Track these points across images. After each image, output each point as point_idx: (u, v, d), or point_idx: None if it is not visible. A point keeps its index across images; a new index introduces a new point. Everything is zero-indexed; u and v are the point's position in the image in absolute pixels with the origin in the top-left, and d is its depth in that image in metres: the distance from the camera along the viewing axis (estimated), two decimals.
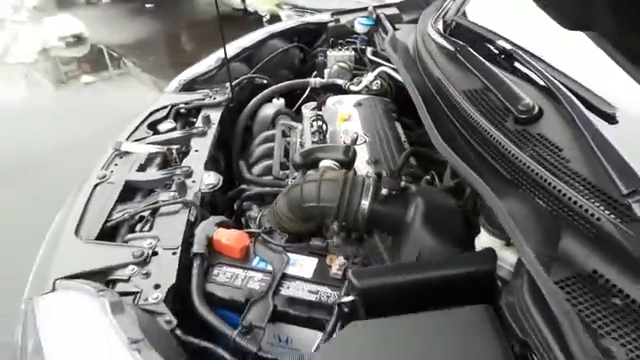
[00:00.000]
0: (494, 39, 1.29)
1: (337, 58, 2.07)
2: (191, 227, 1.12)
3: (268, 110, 1.87)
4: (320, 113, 1.71)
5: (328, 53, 2.09)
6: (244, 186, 1.45)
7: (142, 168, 1.38)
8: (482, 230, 0.92)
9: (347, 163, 1.24)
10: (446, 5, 1.76)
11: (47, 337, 0.82)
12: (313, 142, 1.52)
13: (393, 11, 2.30)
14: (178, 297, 0.97)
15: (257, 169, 1.56)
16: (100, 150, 1.46)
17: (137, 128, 1.56)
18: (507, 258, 0.87)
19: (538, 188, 0.86)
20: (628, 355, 0.63)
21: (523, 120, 0.97)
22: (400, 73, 1.56)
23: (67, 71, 5.53)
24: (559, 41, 1.18)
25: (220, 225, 1.12)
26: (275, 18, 5.91)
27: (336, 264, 1.02)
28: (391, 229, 1.09)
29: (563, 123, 0.92)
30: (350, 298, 0.86)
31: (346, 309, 0.87)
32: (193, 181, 1.28)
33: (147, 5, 7.16)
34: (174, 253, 1.04)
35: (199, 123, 1.58)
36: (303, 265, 1.05)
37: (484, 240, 0.92)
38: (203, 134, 1.52)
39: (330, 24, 2.32)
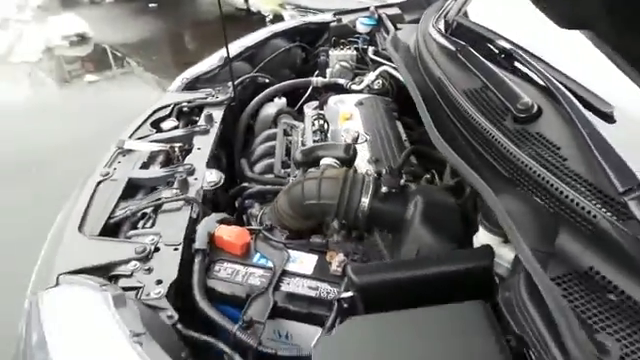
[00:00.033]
0: (494, 39, 1.29)
1: (339, 57, 2.08)
2: (193, 224, 1.13)
3: (270, 109, 1.88)
4: (322, 112, 1.73)
5: (330, 52, 2.10)
6: (246, 184, 1.46)
7: (145, 166, 1.39)
8: (480, 227, 0.93)
9: (348, 161, 1.25)
10: (447, 5, 1.76)
11: (51, 331, 0.83)
12: (314, 141, 1.53)
13: (395, 11, 2.31)
14: (180, 292, 0.98)
15: (259, 167, 1.57)
16: (103, 149, 1.47)
17: (140, 126, 1.58)
18: (505, 255, 0.88)
19: (536, 186, 0.87)
20: (623, 350, 0.64)
21: (522, 119, 0.98)
22: (401, 73, 1.57)
23: (71, 70, 5.55)
24: (559, 41, 1.19)
25: (221, 222, 1.13)
26: (278, 18, 5.93)
27: (336, 261, 1.03)
28: (391, 227, 1.10)
29: (561, 122, 0.93)
30: (349, 294, 0.87)
31: (345, 305, 0.88)
32: (195, 178, 1.29)
33: (150, 5, 7.19)
34: (176, 249, 1.05)
35: (201, 121, 1.59)
36: (303, 262, 1.06)
37: (482, 237, 0.93)
38: (205, 132, 1.53)
39: (332, 24, 2.33)
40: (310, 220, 1.18)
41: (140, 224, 1.18)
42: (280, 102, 1.91)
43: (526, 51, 1.17)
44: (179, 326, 0.89)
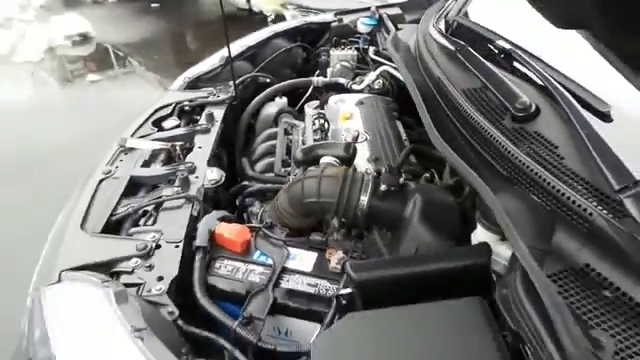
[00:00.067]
0: (494, 39, 1.30)
1: (340, 57, 2.08)
2: (194, 221, 1.14)
3: (271, 108, 1.89)
4: (322, 111, 1.74)
5: (331, 52, 2.11)
6: (246, 182, 1.47)
7: (146, 164, 1.40)
8: (478, 225, 0.94)
9: (347, 160, 1.26)
10: (448, 5, 1.77)
11: (53, 326, 0.84)
12: (315, 140, 1.54)
13: (396, 11, 2.31)
14: (181, 289, 0.99)
15: (259, 166, 1.58)
16: (105, 148, 1.48)
17: (142, 125, 1.59)
18: (502, 253, 0.89)
19: (533, 184, 0.88)
20: (617, 345, 0.65)
21: (520, 118, 0.99)
22: (401, 72, 1.57)
23: (73, 70, 5.57)
24: (557, 41, 1.20)
25: (222, 219, 1.14)
26: (280, 18, 5.93)
27: (335, 258, 1.04)
28: (390, 225, 1.11)
29: (559, 121, 0.94)
30: (348, 290, 0.88)
31: (344, 301, 0.89)
32: (196, 177, 1.30)
33: (153, 4, 7.20)
34: (177, 246, 1.06)
35: (203, 120, 1.60)
36: (303, 259, 1.07)
37: (480, 235, 0.94)
38: (207, 131, 1.55)
39: (333, 24, 2.34)
40: (310, 218, 1.19)
41: (141, 222, 1.19)
42: (281, 101, 1.92)
43: (525, 51, 1.18)
44: (180, 322, 0.91)
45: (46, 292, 0.92)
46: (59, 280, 0.97)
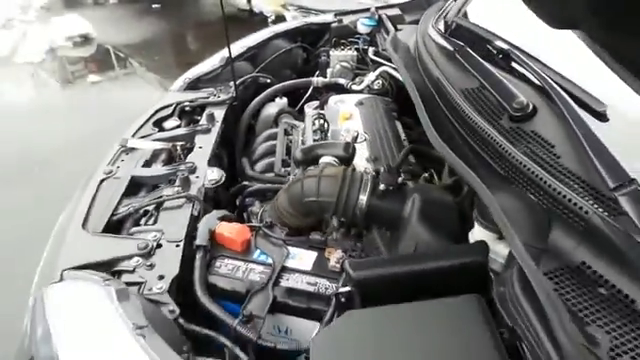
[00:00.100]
0: (492, 39, 1.31)
1: (339, 58, 2.09)
2: (194, 221, 1.15)
3: (271, 109, 1.90)
4: (322, 112, 1.74)
5: (331, 53, 2.12)
6: (246, 182, 1.48)
7: (147, 164, 1.41)
8: (475, 224, 0.95)
9: (346, 159, 1.27)
10: (447, 6, 1.78)
11: (55, 324, 0.85)
12: (314, 140, 1.55)
13: (395, 12, 2.32)
14: (181, 288, 1.00)
15: (259, 166, 1.59)
16: (106, 149, 1.49)
17: (143, 125, 1.60)
18: (500, 251, 0.90)
19: (530, 183, 0.89)
20: (612, 342, 0.65)
21: (517, 118, 1.00)
22: (400, 73, 1.58)
23: (74, 71, 5.58)
24: (555, 41, 1.21)
25: (222, 219, 1.15)
26: (280, 19, 5.94)
27: (334, 257, 1.05)
28: (389, 224, 1.11)
29: (556, 121, 0.95)
30: (347, 289, 0.89)
31: (343, 299, 0.90)
32: (197, 177, 1.31)
33: (153, 6, 7.21)
34: (177, 245, 1.07)
35: (203, 121, 1.61)
36: (302, 258, 1.08)
37: (478, 234, 0.95)
38: (207, 131, 1.56)
39: (333, 24, 2.34)
40: (309, 217, 1.20)
41: (142, 221, 1.20)
42: (281, 102, 1.93)
43: (523, 51, 1.19)
44: (180, 320, 0.91)
45: (48, 291, 0.93)
46: (61, 279, 0.98)
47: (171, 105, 1.71)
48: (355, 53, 2.13)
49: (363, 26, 2.27)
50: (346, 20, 2.35)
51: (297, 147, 1.55)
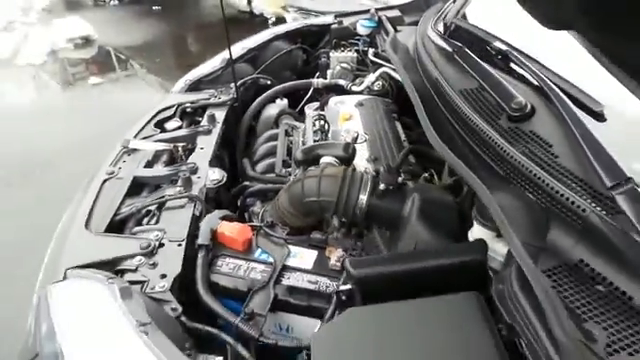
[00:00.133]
0: (491, 40, 1.32)
1: (339, 59, 2.10)
2: (196, 221, 1.16)
3: (272, 110, 1.91)
4: (322, 113, 1.76)
5: (331, 54, 2.13)
6: (247, 183, 1.49)
7: (149, 164, 1.42)
8: (475, 223, 0.96)
9: (347, 159, 1.28)
10: (446, 7, 1.79)
11: (60, 322, 0.86)
12: (315, 141, 1.56)
13: (395, 13, 2.33)
14: (184, 286, 1.01)
15: (260, 167, 1.60)
16: (107, 150, 1.50)
17: (145, 126, 1.61)
18: (499, 249, 0.91)
19: (528, 182, 0.90)
20: (609, 338, 0.66)
21: (516, 118, 1.01)
22: (399, 74, 1.59)
23: (75, 73, 5.59)
24: (553, 42, 1.22)
25: (224, 218, 1.16)
26: (280, 21, 5.96)
27: (335, 256, 1.06)
28: (388, 223, 1.12)
29: (554, 121, 0.96)
30: (347, 286, 0.90)
31: (344, 297, 0.91)
32: (198, 177, 1.32)
33: (154, 7, 7.23)
34: (179, 245, 1.08)
35: (204, 122, 1.62)
36: (303, 257, 1.09)
37: (477, 232, 0.96)
38: (208, 132, 1.57)
39: (333, 26, 2.35)
40: (310, 217, 1.21)
41: (145, 221, 1.21)
42: (282, 103, 1.94)
43: (521, 52, 1.20)
44: (183, 318, 0.92)
45: (52, 289, 0.94)
46: (64, 278, 0.99)
47: (172, 106, 1.73)
48: (355, 54, 2.14)
49: (363, 27, 2.29)
50: (346, 22, 2.37)
51: (298, 148, 1.56)
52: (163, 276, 1.00)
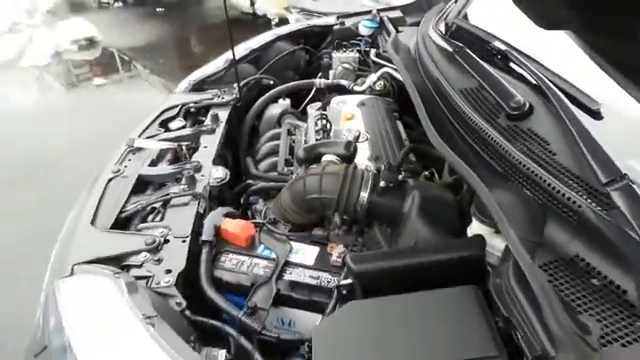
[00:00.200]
0: (491, 40, 1.34)
1: (342, 60, 2.12)
2: (200, 218, 1.18)
3: (274, 110, 1.93)
4: (324, 112, 1.77)
5: (333, 55, 2.15)
6: (250, 181, 1.51)
7: (154, 163, 1.45)
8: (473, 219, 0.98)
9: (348, 157, 1.30)
10: (447, 8, 1.81)
11: (68, 315, 0.88)
12: (317, 140, 1.58)
13: (397, 14, 2.35)
14: (188, 282, 1.03)
15: (263, 165, 1.63)
16: (110, 151, 1.52)
17: (149, 126, 1.64)
18: (497, 245, 0.93)
19: (526, 180, 0.91)
20: (603, 330, 0.68)
21: (514, 116, 1.03)
22: (401, 74, 1.61)
23: (79, 74, 5.62)
24: (552, 42, 1.23)
25: (227, 215, 1.18)
26: (283, 22, 5.98)
27: (336, 252, 1.08)
28: (389, 220, 1.14)
29: (551, 119, 0.98)
30: (348, 281, 0.92)
31: (344, 291, 0.93)
32: (202, 175, 1.35)
33: (158, 9, 7.27)
34: (184, 241, 1.10)
35: (208, 121, 1.65)
36: (305, 253, 1.11)
37: (475, 228, 0.97)
38: (212, 131, 1.59)
39: (335, 27, 2.37)
40: (312, 214, 1.23)
41: (150, 218, 1.23)
42: (284, 103, 1.96)
43: (520, 52, 1.22)
44: (187, 312, 0.94)
45: (60, 284, 0.96)
46: (72, 273, 1.01)
47: (176, 106, 1.75)
48: (357, 55, 2.16)
49: (365, 28, 2.30)
50: (348, 22, 2.38)
51: (300, 147, 1.58)
52: (168, 271, 1.02)
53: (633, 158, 0.84)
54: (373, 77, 1.91)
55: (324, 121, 1.69)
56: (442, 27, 1.65)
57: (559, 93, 1.00)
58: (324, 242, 1.14)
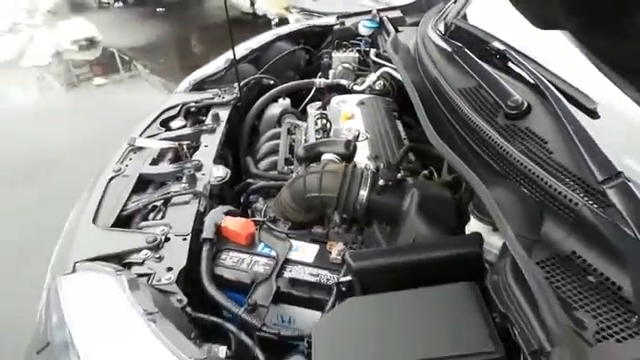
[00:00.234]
0: (489, 41, 1.35)
1: (341, 59, 2.13)
2: (201, 216, 1.20)
3: (274, 109, 1.94)
4: (324, 112, 1.78)
5: (333, 55, 2.16)
6: (250, 180, 1.52)
7: (155, 162, 1.46)
8: (471, 217, 0.99)
9: (347, 156, 1.31)
10: (447, 8, 1.82)
11: (70, 312, 0.89)
12: (317, 139, 1.59)
13: (396, 14, 2.36)
14: (189, 279, 1.04)
15: (263, 164, 1.64)
16: (110, 150, 1.53)
17: (150, 125, 1.65)
18: (494, 242, 0.94)
19: (524, 177, 0.92)
20: (599, 325, 0.69)
21: (512, 115, 1.03)
22: (400, 73, 1.62)
23: (79, 74, 5.63)
24: (550, 42, 1.24)
25: (228, 213, 1.19)
26: (283, 22, 5.99)
27: (336, 250, 1.09)
28: (388, 218, 1.15)
29: (549, 118, 0.99)
30: (347, 278, 0.93)
31: (344, 288, 0.94)
32: (203, 174, 1.36)
33: (158, 9, 7.28)
34: (185, 239, 1.11)
35: (208, 121, 1.66)
36: (305, 251, 1.12)
37: (473, 226, 0.98)
38: (212, 131, 1.60)
39: (335, 27, 2.38)
40: (312, 212, 1.24)
41: (151, 216, 1.24)
42: (284, 102, 1.97)
43: (518, 52, 1.23)
44: (188, 309, 0.95)
45: (62, 281, 0.97)
46: (73, 270, 1.02)
47: (177, 106, 1.76)
48: (357, 55, 2.17)
49: (365, 28, 2.31)
50: (348, 22, 2.39)
51: (300, 146, 1.59)
52: (169, 269, 1.03)
53: (629, 156, 0.85)
54: (373, 77, 1.92)
55: (324, 120, 1.70)
56: (441, 27, 1.66)
57: (557, 92, 1.01)
58: (324, 240, 1.15)
